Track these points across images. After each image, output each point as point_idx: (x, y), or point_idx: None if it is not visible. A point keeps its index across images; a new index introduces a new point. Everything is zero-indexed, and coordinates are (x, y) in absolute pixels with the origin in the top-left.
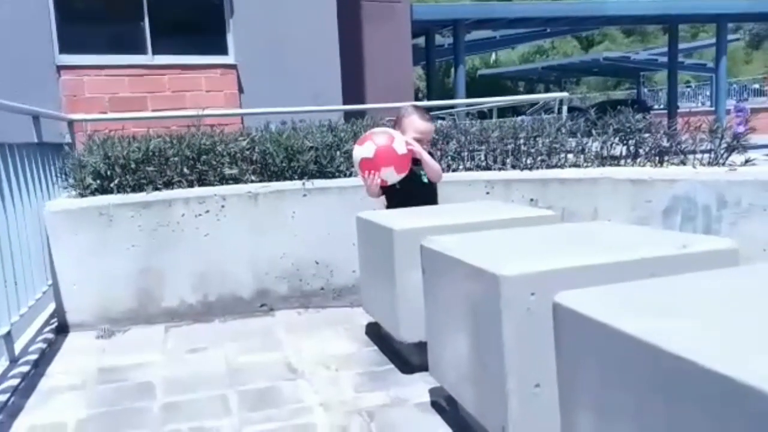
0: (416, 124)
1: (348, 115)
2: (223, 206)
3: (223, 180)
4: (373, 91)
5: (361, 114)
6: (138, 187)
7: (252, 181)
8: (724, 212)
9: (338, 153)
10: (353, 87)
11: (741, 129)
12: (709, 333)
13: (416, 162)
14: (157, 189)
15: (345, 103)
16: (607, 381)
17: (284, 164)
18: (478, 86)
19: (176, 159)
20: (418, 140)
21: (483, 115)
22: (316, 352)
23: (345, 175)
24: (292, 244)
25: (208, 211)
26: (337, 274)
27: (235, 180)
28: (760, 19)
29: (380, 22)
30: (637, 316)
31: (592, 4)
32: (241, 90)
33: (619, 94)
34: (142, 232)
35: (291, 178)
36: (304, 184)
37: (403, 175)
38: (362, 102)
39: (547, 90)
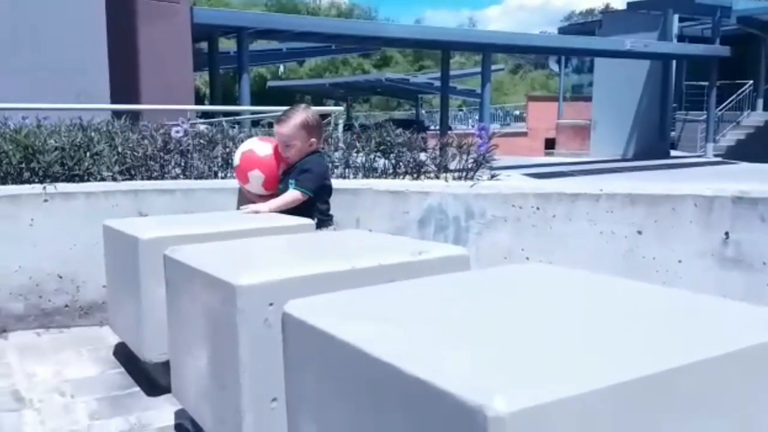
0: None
1: (119, 116)
2: None
3: None
4: (150, 92)
5: (135, 115)
6: None
7: None
8: (472, 223)
9: (87, 154)
10: (126, 86)
11: (483, 147)
12: (418, 337)
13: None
14: None
15: (114, 102)
16: (327, 390)
17: (22, 165)
18: (269, 97)
19: None
20: (284, 145)
21: None
22: (51, 378)
23: (95, 179)
24: (31, 256)
25: None
26: (85, 289)
27: None
28: (520, 51)
29: (158, 21)
30: (357, 323)
31: (374, 25)
32: None
33: (400, 114)
34: None
35: (30, 181)
36: (45, 188)
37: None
38: (138, 102)
39: (336, 105)
